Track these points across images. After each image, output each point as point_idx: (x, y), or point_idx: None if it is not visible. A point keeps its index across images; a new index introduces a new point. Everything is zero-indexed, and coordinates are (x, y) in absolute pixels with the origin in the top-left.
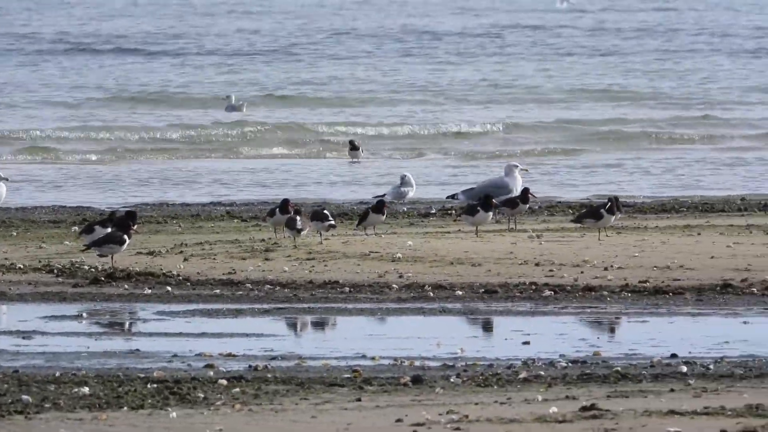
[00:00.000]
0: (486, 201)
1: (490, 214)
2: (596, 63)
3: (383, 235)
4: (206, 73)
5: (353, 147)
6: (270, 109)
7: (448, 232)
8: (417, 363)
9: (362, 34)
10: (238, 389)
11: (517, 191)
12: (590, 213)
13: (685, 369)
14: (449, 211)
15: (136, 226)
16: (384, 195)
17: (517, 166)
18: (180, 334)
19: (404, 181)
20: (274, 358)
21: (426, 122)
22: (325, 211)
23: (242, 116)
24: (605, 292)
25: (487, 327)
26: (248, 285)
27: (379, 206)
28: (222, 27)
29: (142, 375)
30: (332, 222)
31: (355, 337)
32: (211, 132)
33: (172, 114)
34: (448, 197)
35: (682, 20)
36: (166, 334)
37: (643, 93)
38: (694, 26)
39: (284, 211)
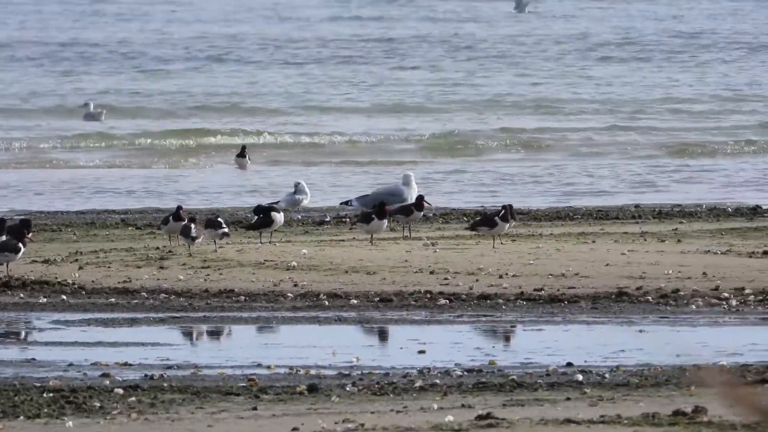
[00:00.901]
0: (380, 209)
1: (385, 222)
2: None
3: (278, 243)
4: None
5: (241, 154)
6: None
7: (343, 240)
8: (313, 372)
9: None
10: (134, 398)
11: (412, 199)
12: (484, 221)
13: (581, 378)
14: (344, 219)
15: (30, 234)
16: (278, 202)
17: (412, 176)
18: (76, 343)
19: (298, 189)
20: (169, 367)
21: (313, 131)
22: (219, 219)
23: (101, 125)
24: (500, 301)
25: (383, 336)
26: (143, 294)
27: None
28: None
29: (38, 384)
30: (226, 230)
31: (250, 346)
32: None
33: (42, 122)
34: (342, 203)
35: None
36: (61, 343)
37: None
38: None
39: (178, 219)
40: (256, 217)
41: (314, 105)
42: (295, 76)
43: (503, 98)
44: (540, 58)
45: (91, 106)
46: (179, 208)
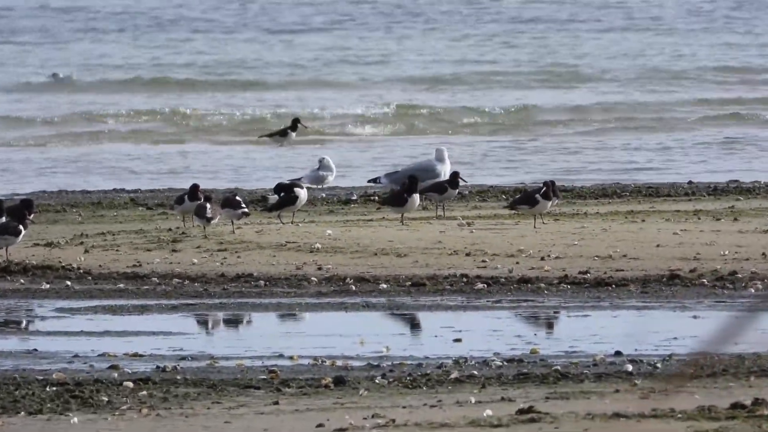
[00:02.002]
0: (411, 184)
1: (417, 197)
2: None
3: (300, 224)
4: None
5: (292, 128)
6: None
7: (371, 220)
8: (339, 363)
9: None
10: (145, 392)
11: (445, 175)
12: (525, 198)
13: (630, 368)
14: (372, 197)
15: (32, 216)
16: (300, 179)
17: (445, 150)
18: (81, 333)
19: (323, 165)
20: (183, 358)
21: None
22: (237, 198)
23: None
24: (542, 284)
25: (415, 323)
26: (155, 279)
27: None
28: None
29: (41, 377)
30: (245, 209)
31: (271, 335)
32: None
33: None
34: (370, 181)
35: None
36: (66, 333)
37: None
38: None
39: (193, 198)
40: (276, 196)
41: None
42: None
43: (541, 68)
44: (575, 27)
45: (60, 74)
46: (195, 186)
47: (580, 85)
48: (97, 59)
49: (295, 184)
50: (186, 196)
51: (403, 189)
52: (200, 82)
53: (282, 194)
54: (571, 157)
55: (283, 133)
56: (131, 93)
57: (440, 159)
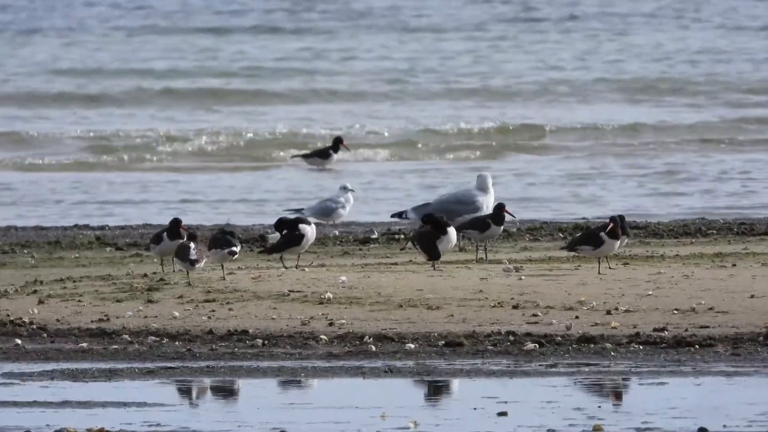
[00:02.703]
0: (437, 223)
1: (453, 236)
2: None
3: (307, 269)
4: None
5: (333, 148)
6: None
7: (395, 264)
8: None
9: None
10: None
11: (488, 208)
12: (587, 237)
13: None
14: (397, 235)
15: None
16: (302, 210)
17: (490, 177)
18: (34, 404)
19: (338, 195)
20: None
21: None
22: (229, 237)
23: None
24: (608, 345)
25: (449, 392)
26: (126, 336)
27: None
28: None
29: None
30: (235, 248)
31: (270, 407)
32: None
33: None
34: (394, 215)
35: None
36: (15, 404)
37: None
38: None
39: (174, 236)
40: (277, 234)
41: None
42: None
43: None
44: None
45: None
46: (176, 221)
47: (652, 98)
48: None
49: (300, 219)
50: (165, 234)
51: (435, 226)
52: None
53: (284, 232)
54: (640, 185)
55: (323, 154)
56: (86, 106)
57: (482, 188)
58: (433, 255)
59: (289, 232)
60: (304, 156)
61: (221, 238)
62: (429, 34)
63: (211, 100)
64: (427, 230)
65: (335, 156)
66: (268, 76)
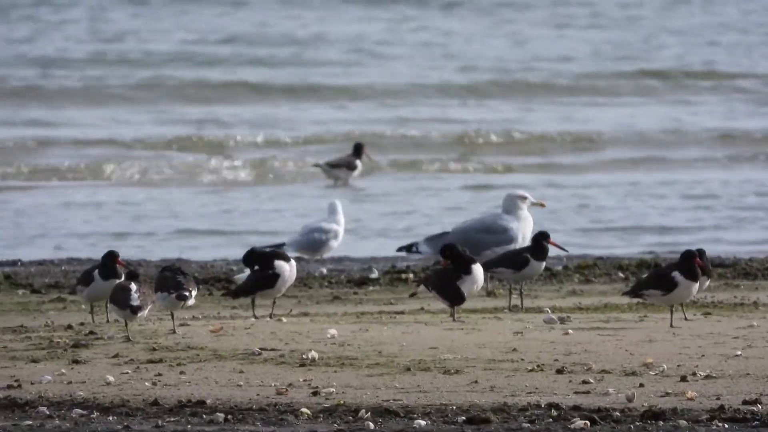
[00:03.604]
0: (455, 256)
1: (479, 275)
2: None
3: (285, 318)
4: None
5: (356, 154)
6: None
7: (402, 313)
8: None
9: None
10: None
11: (524, 240)
12: (656, 279)
13: None
14: (404, 275)
15: None
16: (282, 245)
17: (526, 198)
18: None
19: (329, 219)
20: None
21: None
22: (180, 277)
23: None
24: (683, 422)
25: None
26: (43, 409)
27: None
28: None
29: None
30: (185, 293)
31: None
32: None
33: None
34: (401, 249)
35: None
36: None
37: None
38: None
39: (109, 275)
40: (247, 271)
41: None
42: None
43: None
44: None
45: None
46: (111, 255)
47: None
48: None
49: (276, 252)
50: (97, 273)
51: (455, 262)
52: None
53: (256, 269)
54: (729, 208)
55: (350, 165)
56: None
57: (511, 211)
58: (455, 298)
59: (261, 269)
60: (331, 165)
61: (171, 279)
62: None
63: None
64: (444, 268)
65: (360, 167)
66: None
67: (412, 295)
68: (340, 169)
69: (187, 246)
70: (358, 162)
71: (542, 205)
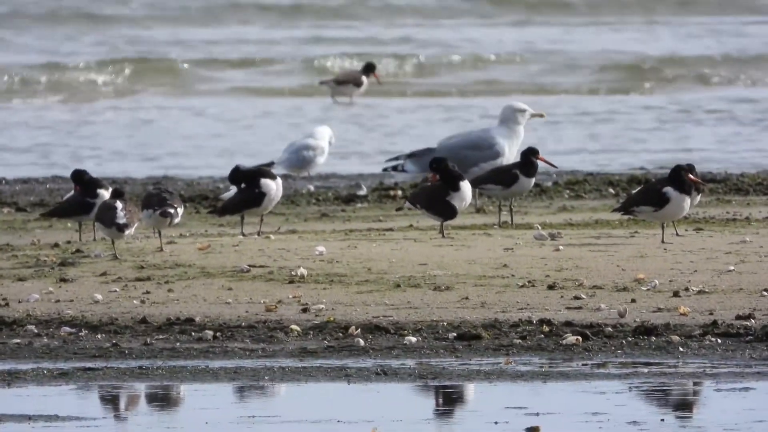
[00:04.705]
0: (444, 170)
1: (467, 192)
2: None
3: (273, 236)
4: None
5: (366, 73)
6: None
7: (390, 230)
8: None
9: None
10: None
11: (512, 155)
12: (647, 195)
13: None
14: (391, 192)
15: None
16: (271, 164)
17: (525, 110)
18: None
19: (314, 137)
20: None
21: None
22: (166, 194)
23: None
24: (675, 337)
25: (463, 401)
26: (31, 327)
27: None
28: None
29: None
30: (170, 209)
31: (223, 421)
32: None
33: None
34: (387, 169)
35: None
36: None
37: None
38: None
39: (90, 193)
40: (233, 189)
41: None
42: None
43: None
44: None
45: None
46: (80, 175)
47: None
48: None
49: (262, 170)
50: (80, 190)
51: (444, 177)
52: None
53: (242, 186)
54: (720, 124)
55: (356, 81)
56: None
57: (507, 123)
58: (446, 213)
59: (248, 186)
60: (337, 81)
61: (156, 196)
62: None
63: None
64: (432, 184)
65: (366, 83)
66: None
67: (399, 209)
68: (346, 85)
69: (172, 160)
70: (364, 78)
71: (542, 116)
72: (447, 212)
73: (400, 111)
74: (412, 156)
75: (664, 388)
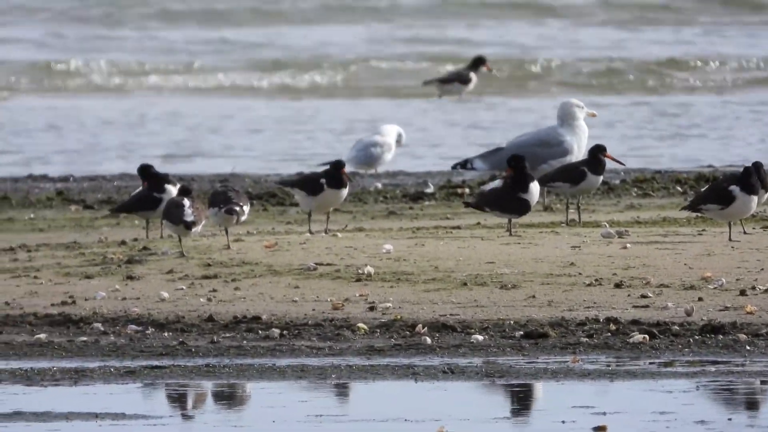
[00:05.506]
0: (518, 169)
1: (536, 190)
2: None
3: (340, 234)
4: None
5: (474, 68)
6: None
7: (458, 228)
8: None
9: None
10: None
11: (580, 152)
12: (714, 193)
13: None
14: (459, 189)
15: None
16: (340, 161)
17: (582, 106)
18: None
19: (380, 135)
20: None
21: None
22: (231, 194)
23: None
24: (742, 336)
25: (529, 400)
26: (98, 325)
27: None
28: None
29: None
30: (235, 207)
31: (291, 420)
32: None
33: None
34: (455, 166)
35: None
36: None
37: None
38: None
39: (157, 188)
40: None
41: None
42: None
43: None
44: None
45: None
46: (146, 169)
47: None
48: None
49: (338, 164)
50: (148, 187)
51: (517, 176)
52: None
53: (313, 179)
54: None
55: (463, 78)
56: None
57: (567, 121)
58: (520, 208)
59: (331, 177)
60: (441, 81)
61: (222, 194)
62: None
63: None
64: (499, 188)
65: (475, 79)
66: None
67: (467, 205)
68: (451, 84)
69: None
70: (472, 75)
71: (593, 115)
72: (520, 208)
73: (513, 110)
74: (482, 155)
75: (732, 386)
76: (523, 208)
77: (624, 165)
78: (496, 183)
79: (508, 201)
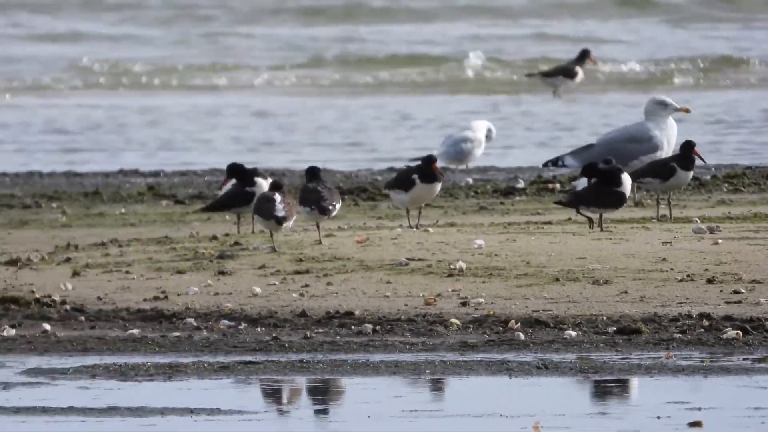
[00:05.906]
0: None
1: (627, 184)
2: None
3: (432, 229)
4: None
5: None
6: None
7: (549, 223)
8: None
9: None
10: None
11: (670, 148)
12: None
13: None
14: (550, 185)
15: None
16: (431, 156)
17: (668, 104)
18: (70, 411)
19: (471, 130)
20: None
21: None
22: (321, 189)
23: None
24: None
25: (623, 396)
26: (190, 320)
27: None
28: None
29: None
30: (328, 205)
31: (385, 415)
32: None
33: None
34: (547, 164)
35: None
36: (44, 411)
37: None
38: None
39: (248, 182)
40: (394, 176)
41: None
42: None
43: None
44: None
45: None
46: (235, 168)
47: None
48: None
49: (430, 158)
50: (239, 182)
51: (600, 179)
52: None
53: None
54: None
55: (568, 72)
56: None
57: (653, 117)
58: (616, 201)
59: (422, 169)
60: (544, 74)
61: (314, 191)
62: None
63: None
64: (593, 184)
65: (581, 73)
66: None
67: (559, 204)
68: (555, 77)
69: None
70: (578, 69)
71: (687, 111)
72: (616, 201)
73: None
74: (574, 152)
75: None
76: (620, 200)
77: (706, 163)
78: (582, 182)
79: (604, 196)
